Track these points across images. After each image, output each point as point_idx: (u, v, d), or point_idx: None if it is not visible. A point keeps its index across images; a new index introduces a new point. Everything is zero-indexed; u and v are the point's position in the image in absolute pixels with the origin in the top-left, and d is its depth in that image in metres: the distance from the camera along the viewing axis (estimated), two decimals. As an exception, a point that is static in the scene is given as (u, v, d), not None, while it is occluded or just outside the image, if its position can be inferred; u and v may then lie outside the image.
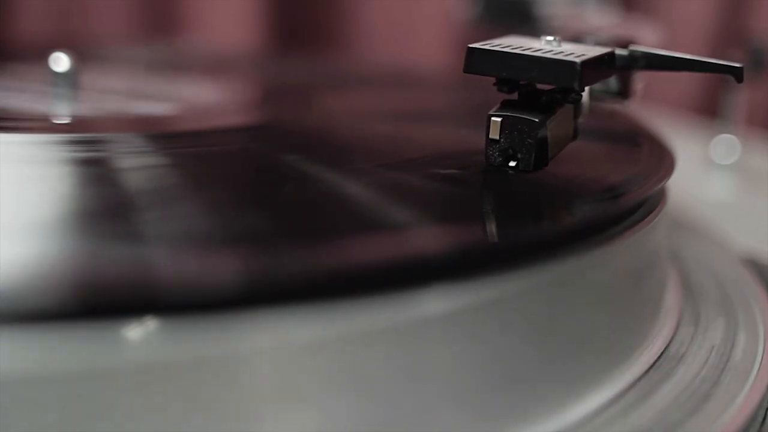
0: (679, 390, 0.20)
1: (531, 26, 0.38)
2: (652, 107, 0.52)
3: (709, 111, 0.62)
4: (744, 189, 0.44)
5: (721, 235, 0.32)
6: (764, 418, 0.21)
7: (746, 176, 0.45)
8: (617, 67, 0.24)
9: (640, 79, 0.28)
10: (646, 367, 0.21)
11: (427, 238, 0.19)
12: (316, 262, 0.17)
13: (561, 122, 0.23)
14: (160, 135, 0.28)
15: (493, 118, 0.22)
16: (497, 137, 0.22)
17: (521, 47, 0.22)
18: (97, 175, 0.22)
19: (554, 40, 0.23)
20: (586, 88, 0.24)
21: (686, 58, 0.24)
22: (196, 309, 0.15)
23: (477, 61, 0.22)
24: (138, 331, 0.15)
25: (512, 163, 0.22)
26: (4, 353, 0.14)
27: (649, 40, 0.31)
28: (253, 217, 0.19)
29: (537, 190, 0.22)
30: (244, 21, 0.67)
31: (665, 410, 0.19)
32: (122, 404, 0.15)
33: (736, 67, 0.23)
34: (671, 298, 0.25)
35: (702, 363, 0.22)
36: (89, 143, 0.26)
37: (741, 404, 0.20)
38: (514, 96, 0.23)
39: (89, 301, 0.15)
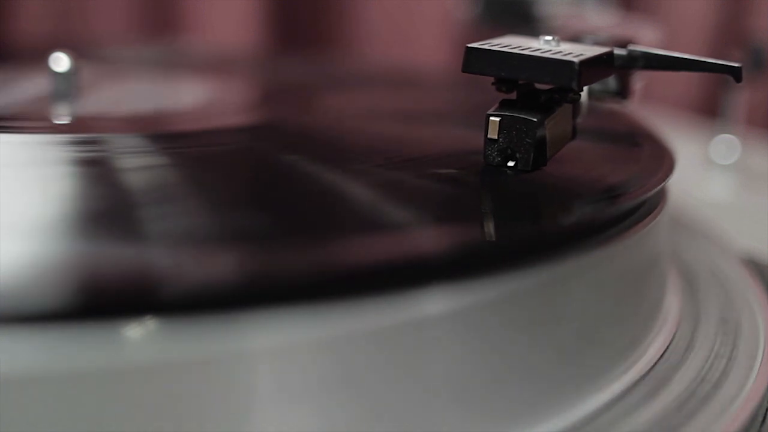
0: (679, 390, 0.20)
1: (531, 26, 0.38)
2: (652, 107, 0.52)
3: (709, 111, 0.62)
4: (744, 189, 0.44)
5: (721, 235, 0.32)
6: (764, 418, 0.21)
7: (746, 176, 0.45)
8: (616, 67, 0.24)
9: (639, 79, 0.28)
10: (646, 367, 0.21)
11: (426, 238, 0.19)
12: (315, 262, 0.17)
13: (559, 122, 0.23)
14: (160, 135, 0.28)
15: (491, 118, 0.22)
16: (496, 137, 0.22)
17: (520, 47, 0.22)
18: (97, 175, 0.22)
19: (553, 39, 0.23)
20: (585, 88, 0.24)
21: (685, 58, 0.24)
22: (195, 309, 0.15)
23: (475, 61, 0.22)
24: (138, 331, 0.15)
25: (511, 163, 0.22)
26: (4, 353, 0.14)
27: (648, 40, 0.31)
28: (253, 217, 0.19)
29: (536, 189, 0.22)
30: (244, 21, 0.67)
31: (666, 411, 0.19)
32: (122, 404, 0.15)
33: (735, 67, 0.23)
34: (671, 299, 0.25)
35: (702, 363, 0.22)
36: (89, 143, 0.26)
37: (741, 404, 0.20)
38: (513, 96, 0.23)
39: (89, 301, 0.15)
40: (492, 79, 0.23)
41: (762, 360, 0.22)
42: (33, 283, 0.15)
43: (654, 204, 0.24)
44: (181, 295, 0.15)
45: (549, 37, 0.23)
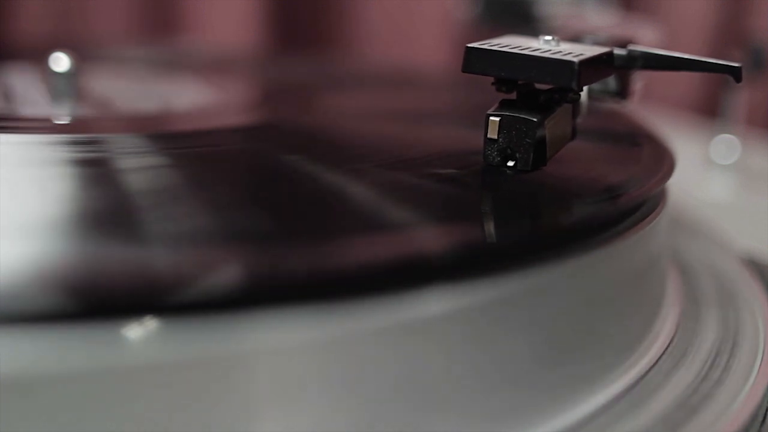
0: (679, 390, 0.20)
1: (531, 26, 0.38)
2: (652, 107, 0.52)
3: (709, 111, 0.62)
4: (744, 189, 0.44)
5: (721, 235, 0.32)
6: (764, 418, 0.21)
7: (746, 176, 0.45)
8: (616, 67, 0.24)
9: (639, 79, 0.28)
10: (646, 367, 0.21)
11: (426, 239, 0.19)
12: (315, 263, 0.17)
13: (559, 122, 0.23)
14: (160, 135, 0.28)
15: (491, 118, 0.22)
16: (495, 137, 0.22)
17: (519, 47, 0.22)
18: (97, 176, 0.22)
19: (552, 39, 0.23)
20: (585, 88, 0.24)
21: (685, 58, 0.23)
22: (196, 309, 0.15)
23: (475, 61, 0.22)
24: (138, 331, 0.15)
25: (510, 163, 0.22)
26: (4, 353, 0.14)
27: (648, 40, 0.31)
28: (254, 217, 0.19)
29: (535, 189, 0.22)
30: (244, 21, 0.67)
31: (666, 410, 0.19)
32: (122, 404, 0.15)
33: (735, 66, 0.23)
34: (671, 298, 0.25)
35: (702, 363, 0.22)
36: (89, 143, 0.26)
37: (741, 404, 0.20)
38: (513, 95, 0.23)
39: (89, 301, 0.15)
40: (492, 79, 0.23)
41: (762, 360, 0.22)
42: (33, 283, 0.15)
43: (654, 204, 0.24)
44: (182, 296, 0.15)
45: (549, 37, 0.23)
